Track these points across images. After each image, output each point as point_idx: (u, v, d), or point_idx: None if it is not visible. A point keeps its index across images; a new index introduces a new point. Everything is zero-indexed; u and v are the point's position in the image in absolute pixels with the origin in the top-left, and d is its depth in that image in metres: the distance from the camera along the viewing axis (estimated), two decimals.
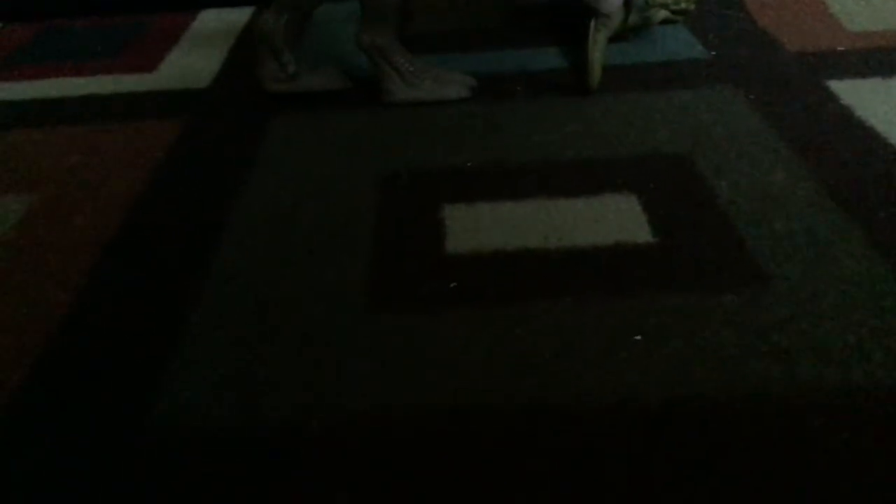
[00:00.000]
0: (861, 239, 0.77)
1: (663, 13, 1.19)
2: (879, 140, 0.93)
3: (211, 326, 0.72)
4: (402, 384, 0.64)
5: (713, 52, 1.19)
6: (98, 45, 1.36)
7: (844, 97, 1.04)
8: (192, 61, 1.26)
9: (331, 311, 0.73)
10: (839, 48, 1.19)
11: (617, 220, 0.83)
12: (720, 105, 1.04)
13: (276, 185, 0.93)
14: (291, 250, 0.82)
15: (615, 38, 1.18)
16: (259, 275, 0.79)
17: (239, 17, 1.44)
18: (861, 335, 0.66)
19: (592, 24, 1.08)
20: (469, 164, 0.95)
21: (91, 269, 0.81)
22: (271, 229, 0.85)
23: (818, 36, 1.23)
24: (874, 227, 0.78)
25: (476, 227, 0.83)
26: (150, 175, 0.96)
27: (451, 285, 0.75)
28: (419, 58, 1.13)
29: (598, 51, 1.08)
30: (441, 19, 1.39)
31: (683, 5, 1.20)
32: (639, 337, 0.67)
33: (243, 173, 0.96)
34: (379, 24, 1.04)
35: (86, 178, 0.97)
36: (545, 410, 0.61)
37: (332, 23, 1.33)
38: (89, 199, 0.93)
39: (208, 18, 1.43)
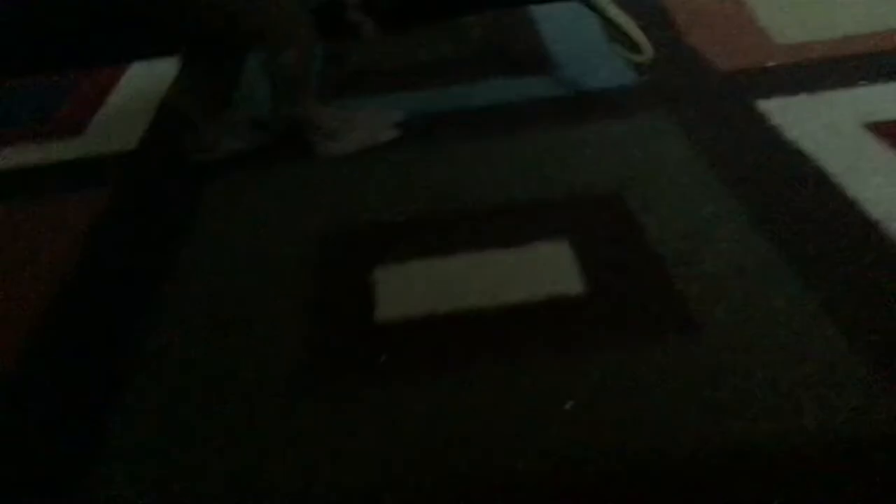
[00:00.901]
0: (791, 275, 0.77)
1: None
2: (808, 163, 0.94)
3: (139, 410, 0.71)
4: (327, 468, 0.63)
5: (644, 77, 1.18)
6: (24, 108, 1.33)
7: (774, 117, 1.04)
8: (121, 121, 1.23)
9: (261, 393, 0.71)
10: (769, 63, 1.19)
11: (548, 270, 0.82)
12: (651, 136, 1.04)
13: (209, 256, 0.92)
14: (225, 327, 0.80)
15: None
16: (191, 353, 0.77)
17: (169, 69, 1.41)
18: (792, 383, 0.65)
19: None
20: (400, 219, 0.94)
21: (16, 357, 0.79)
22: (204, 305, 0.84)
23: (747, 52, 1.23)
24: (804, 261, 0.78)
25: (407, 289, 0.82)
26: (77, 254, 0.94)
27: (382, 359, 0.73)
28: (348, 101, 1.13)
29: (622, 17, 1.08)
30: (378, 54, 1.38)
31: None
32: (569, 406, 0.66)
33: (175, 244, 0.94)
34: (293, 95, 1.03)
35: (8, 260, 0.94)
36: (478, 485, 0.60)
37: (251, 71, 1.30)
38: (13, 283, 0.90)
39: (138, 73, 1.40)
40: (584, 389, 0.68)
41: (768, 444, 0.61)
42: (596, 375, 0.69)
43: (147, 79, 1.37)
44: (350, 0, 1.28)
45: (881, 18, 1.29)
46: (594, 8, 1.11)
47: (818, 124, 1.01)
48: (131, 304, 0.85)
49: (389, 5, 1.37)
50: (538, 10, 1.46)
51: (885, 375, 0.65)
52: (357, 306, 0.80)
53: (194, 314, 0.82)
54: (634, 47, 1.09)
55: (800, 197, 0.88)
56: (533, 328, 0.75)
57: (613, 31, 1.13)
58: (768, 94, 1.10)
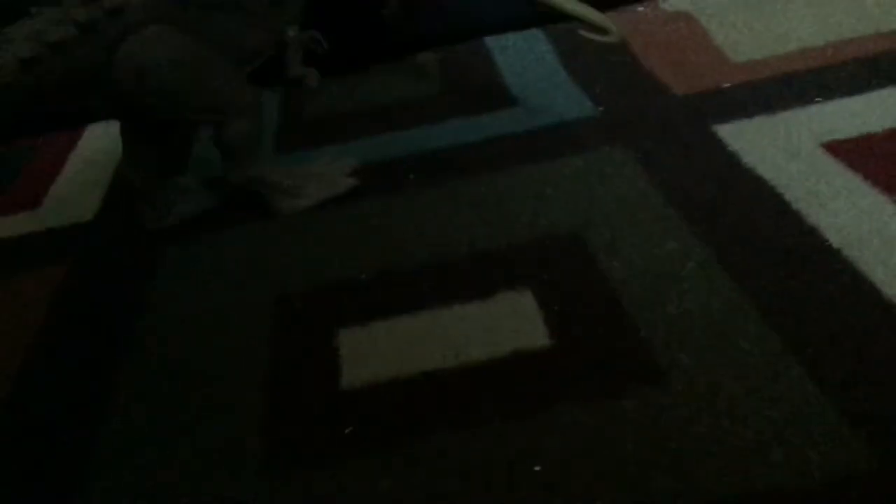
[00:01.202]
0: (755, 316, 0.76)
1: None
2: (767, 191, 0.93)
3: (103, 477, 0.70)
4: None
5: (601, 108, 1.18)
6: None
7: (731, 142, 1.04)
8: (76, 190, 1.22)
9: (223, 479, 0.70)
10: (724, 85, 1.19)
11: (513, 323, 0.81)
12: (610, 170, 1.03)
13: (168, 329, 0.90)
14: (183, 409, 0.78)
15: None
16: (149, 442, 0.75)
17: None
18: (759, 431, 0.65)
19: None
20: (363, 276, 0.93)
21: None
22: (162, 386, 0.82)
23: (703, 73, 1.23)
24: (768, 300, 0.78)
25: (371, 352, 0.81)
26: (32, 337, 0.92)
27: (347, 430, 0.72)
28: (303, 153, 1.12)
29: (577, 7, 1.08)
30: (332, 99, 1.38)
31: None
32: (538, 468, 0.65)
33: (132, 322, 0.92)
34: (244, 160, 1.02)
35: None
36: None
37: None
38: None
39: (94, 135, 1.39)
40: (553, 449, 0.67)
41: (738, 493, 0.60)
42: (564, 434, 0.68)
43: (104, 140, 1.36)
44: (291, 54, 1.27)
45: (834, 28, 1.29)
46: (548, 6, 1.10)
47: (776, 148, 1.01)
48: (90, 380, 0.84)
49: (327, 51, 1.37)
50: (493, 42, 1.46)
51: (854, 418, 0.64)
52: (321, 374, 0.79)
53: (153, 399, 0.80)
54: (600, 31, 1.09)
55: (760, 228, 0.87)
56: (499, 388, 0.74)
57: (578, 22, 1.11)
58: (725, 118, 1.10)
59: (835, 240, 0.83)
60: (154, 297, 0.95)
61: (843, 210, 0.87)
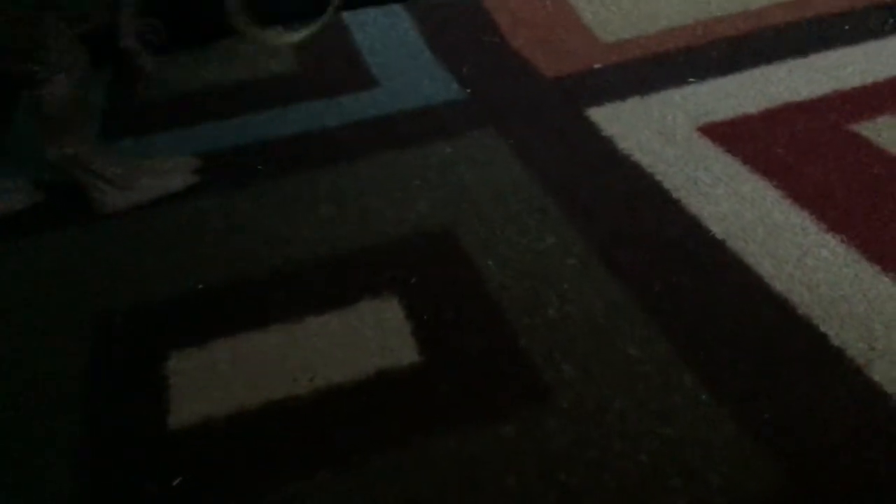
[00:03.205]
0: (641, 318, 0.69)
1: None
2: (646, 179, 0.87)
3: None
4: None
5: (468, 90, 1.09)
6: None
7: (605, 127, 0.97)
8: None
9: None
10: (595, 65, 1.13)
11: (378, 337, 0.71)
12: (481, 157, 0.94)
13: None
14: None
15: None
16: None
17: None
18: (653, 451, 0.58)
19: None
20: (201, 287, 0.79)
21: None
22: None
23: (573, 54, 1.16)
24: (652, 297, 0.71)
25: (209, 379, 0.68)
26: None
27: (175, 482, 0.60)
28: (140, 140, 0.96)
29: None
30: (173, 78, 1.21)
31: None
32: None
33: None
34: (64, 132, 0.85)
35: None
36: None
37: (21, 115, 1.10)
38: None
39: None
40: (428, 487, 0.57)
41: None
42: (439, 466, 0.59)
43: None
44: (124, 24, 1.10)
45: (702, 6, 1.26)
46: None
47: (652, 132, 0.95)
48: None
49: (166, 40, 1.20)
50: (352, 18, 1.34)
51: (756, 430, 0.58)
52: (146, 411, 0.66)
53: None
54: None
55: (641, 220, 0.81)
56: (361, 418, 0.64)
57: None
58: (599, 101, 1.03)
59: (718, 230, 0.78)
60: None
61: (724, 197, 0.82)
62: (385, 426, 0.62)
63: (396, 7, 1.35)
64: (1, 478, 0.62)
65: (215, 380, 0.68)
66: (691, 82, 1.05)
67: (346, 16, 1.35)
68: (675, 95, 1.02)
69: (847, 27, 1.14)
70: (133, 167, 0.92)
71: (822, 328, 0.65)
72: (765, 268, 0.72)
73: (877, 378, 0.61)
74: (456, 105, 1.06)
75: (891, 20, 1.15)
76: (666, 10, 1.26)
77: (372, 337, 0.71)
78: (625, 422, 0.60)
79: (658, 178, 0.87)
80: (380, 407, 0.64)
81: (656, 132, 0.95)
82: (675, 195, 0.84)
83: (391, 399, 0.65)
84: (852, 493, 0.54)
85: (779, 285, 0.70)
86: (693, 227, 0.79)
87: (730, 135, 0.93)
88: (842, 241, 0.75)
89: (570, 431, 0.60)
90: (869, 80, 1.00)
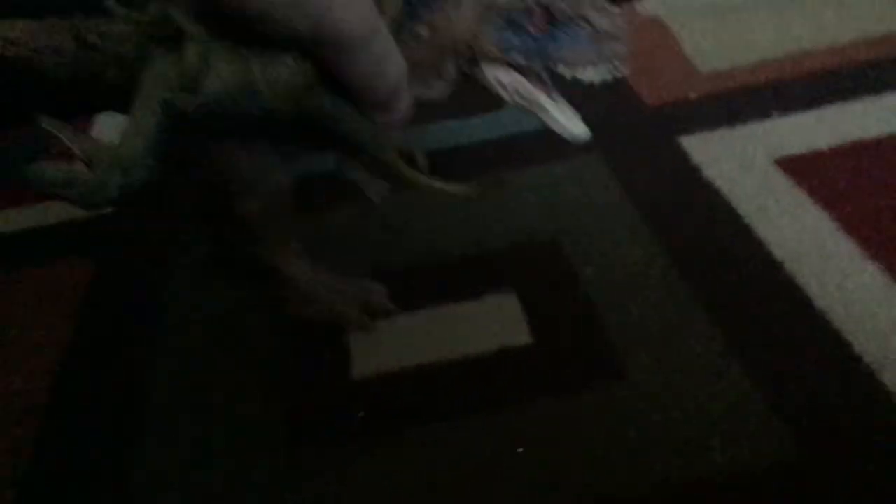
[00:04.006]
0: (704, 318, 0.89)
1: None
2: (723, 204, 1.06)
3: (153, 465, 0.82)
4: None
5: (580, 115, 1.29)
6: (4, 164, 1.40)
7: (695, 155, 1.16)
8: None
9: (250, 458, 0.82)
10: (692, 95, 1.31)
11: (500, 323, 0.94)
12: (585, 177, 1.15)
13: (188, 327, 1.01)
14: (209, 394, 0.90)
15: None
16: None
17: None
18: (701, 420, 0.78)
19: None
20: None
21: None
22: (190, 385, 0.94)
23: (673, 83, 1.34)
24: (716, 305, 0.91)
25: (380, 344, 0.93)
26: (67, 329, 1.03)
27: (360, 415, 0.85)
28: None
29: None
30: None
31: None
32: (520, 451, 0.78)
33: (152, 324, 1.02)
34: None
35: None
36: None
37: None
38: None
39: (105, 124, 1.47)
40: (533, 434, 0.80)
41: (684, 477, 0.74)
42: (542, 421, 0.81)
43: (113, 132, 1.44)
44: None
45: (795, 40, 1.40)
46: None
47: (733, 162, 1.13)
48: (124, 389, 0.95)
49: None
50: None
51: (784, 413, 0.78)
52: (334, 365, 0.91)
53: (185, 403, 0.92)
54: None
55: (715, 239, 1.00)
56: (488, 379, 0.87)
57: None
58: (691, 130, 1.22)
59: (779, 254, 0.96)
60: (174, 297, 1.06)
61: (787, 225, 1.00)
62: (506, 387, 0.85)
63: None
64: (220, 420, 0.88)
65: (384, 344, 0.93)
66: (774, 116, 1.21)
67: None
68: (758, 128, 1.19)
69: None
70: (327, 288, 0.97)
71: (848, 338, 0.83)
72: (812, 288, 0.90)
73: (885, 381, 0.79)
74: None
75: None
76: (762, 42, 1.41)
77: (496, 323, 0.94)
78: (683, 399, 0.81)
79: (734, 203, 1.05)
80: (503, 374, 0.87)
81: (737, 163, 1.13)
82: (746, 220, 1.02)
83: (511, 369, 0.87)
84: (851, 461, 0.73)
85: (821, 303, 0.88)
86: (757, 249, 0.97)
87: (800, 168, 1.09)
88: (879, 267, 0.91)
89: (640, 402, 0.81)
90: None
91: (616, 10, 0.82)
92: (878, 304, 0.87)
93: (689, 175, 1.13)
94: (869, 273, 0.91)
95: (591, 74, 0.86)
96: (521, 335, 0.91)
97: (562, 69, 0.85)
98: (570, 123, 0.91)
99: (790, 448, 0.75)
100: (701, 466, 0.74)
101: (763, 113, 1.23)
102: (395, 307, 0.97)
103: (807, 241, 0.97)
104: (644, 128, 1.24)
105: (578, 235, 1.05)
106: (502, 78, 0.86)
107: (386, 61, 0.69)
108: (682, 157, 1.16)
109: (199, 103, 0.71)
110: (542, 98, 0.89)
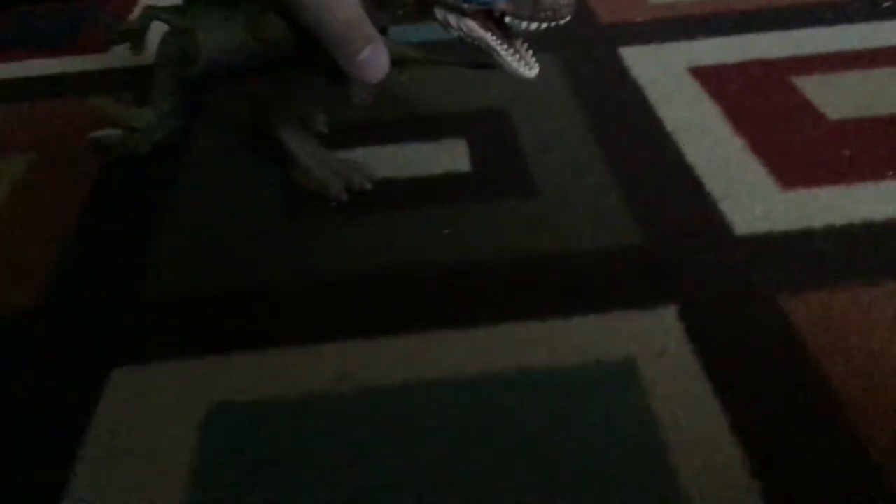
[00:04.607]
0: (603, 166, 1.17)
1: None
2: (640, 95, 1.33)
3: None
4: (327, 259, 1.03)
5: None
6: (55, 28, 1.67)
7: (627, 59, 1.43)
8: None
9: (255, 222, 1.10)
10: (638, 18, 1.58)
11: (449, 156, 1.21)
12: (541, 69, 1.41)
13: (203, 163, 1.29)
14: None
15: None
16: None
17: None
18: (581, 220, 1.06)
19: None
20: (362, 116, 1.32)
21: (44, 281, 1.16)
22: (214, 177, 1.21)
23: (624, 8, 1.62)
24: (617, 159, 1.18)
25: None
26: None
27: (333, 204, 1.12)
28: None
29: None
30: None
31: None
32: (447, 231, 1.06)
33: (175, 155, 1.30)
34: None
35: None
36: (395, 280, 1.00)
37: None
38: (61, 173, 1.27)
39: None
40: (459, 222, 1.07)
41: (568, 252, 1.01)
42: (470, 217, 1.08)
43: None
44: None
45: None
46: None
47: (656, 67, 1.40)
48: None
49: None
50: None
51: (636, 212, 1.05)
52: None
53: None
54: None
55: (626, 118, 1.27)
56: (432, 191, 1.14)
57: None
58: (630, 43, 1.49)
59: (670, 127, 1.23)
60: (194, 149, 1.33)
61: (683, 111, 1.27)
62: (442, 197, 1.13)
63: None
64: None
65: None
66: (699, 38, 1.49)
67: None
68: (683, 46, 1.46)
69: (832, 13, 1.55)
70: (322, 162, 1.17)
71: (705, 182, 1.10)
72: (687, 146, 1.18)
73: (723, 208, 1.06)
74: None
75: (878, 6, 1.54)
76: None
77: (445, 156, 1.21)
78: (575, 207, 1.09)
79: (648, 95, 1.32)
80: (444, 188, 1.15)
81: (659, 68, 1.40)
82: (653, 106, 1.29)
83: (452, 187, 1.15)
84: (688, 246, 1.00)
85: (692, 159, 1.15)
86: (656, 124, 1.24)
87: (707, 74, 1.37)
88: (743, 140, 1.19)
89: (545, 208, 1.09)
90: (822, 50, 1.42)
91: None
92: (734, 163, 1.14)
93: (620, 74, 1.40)
94: (734, 143, 1.18)
95: (535, 25, 0.92)
96: (463, 165, 1.19)
97: (508, 20, 0.91)
98: (518, 64, 0.98)
99: (639, 236, 1.02)
100: (577, 245, 1.02)
101: (691, 36, 1.50)
102: (372, 186, 1.15)
103: (695, 122, 1.24)
104: (592, 38, 1.52)
105: (523, 106, 1.32)
106: (451, 21, 0.95)
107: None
108: (618, 61, 1.44)
109: (200, 69, 0.96)
110: (489, 38, 0.96)
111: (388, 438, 0.77)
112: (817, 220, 1.01)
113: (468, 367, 0.85)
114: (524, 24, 0.94)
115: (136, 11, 1.70)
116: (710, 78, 1.35)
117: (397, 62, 1.10)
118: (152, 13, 1.10)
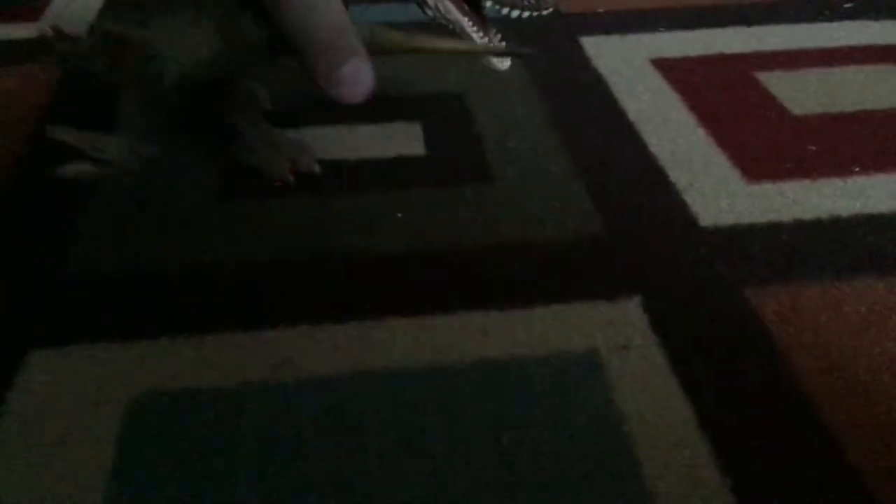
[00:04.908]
0: (563, 155, 1.12)
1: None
2: (602, 85, 1.29)
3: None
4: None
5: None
6: None
7: (589, 49, 1.40)
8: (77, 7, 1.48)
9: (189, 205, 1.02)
10: (599, 10, 1.54)
11: (402, 139, 1.15)
12: (505, 74, 1.36)
13: None
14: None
15: None
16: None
17: None
18: (541, 208, 1.00)
19: None
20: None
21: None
22: None
23: (587, 1, 1.58)
24: (577, 147, 1.13)
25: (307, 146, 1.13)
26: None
27: (277, 183, 1.05)
28: None
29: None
30: None
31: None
32: (400, 215, 1.00)
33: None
34: None
35: None
36: (329, 257, 0.93)
37: None
38: None
39: None
40: (412, 209, 1.01)
41: (529, 240, 0.95)
42: (423, 202, 1.02)
43: None
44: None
45: None
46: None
47: (618, 57, 1.37)
48: None
49: None
50: None
51: (595, 194, 1.01)
52: None
53: None
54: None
55: (588, 107, 1.23)
56: (386, 173, 1.08)
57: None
58: (591, 33, 1.45)
59: (633, 117, 1.20)
60: None
61: (646, 101, 1.24)
62: (395, 181, 1.06)
63: None
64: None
65: (313, 144, 1.13)
66: (660, 31, 1.45)
67: None
68: (645, 38, 1.43)
69: (794, 10, 1.54)
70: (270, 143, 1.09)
71: (668, 172, 1.07)
72: (650, 136, 1.14)
73: (686, 198, 1.02)
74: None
75: (826, 11, 1.53)
76: None
77: (398, 139, 1.15)
78: (532, 196, 1.03)
79: (610, 85, 1.28)
80: (394, 172, 1.08)
81: (621, 58, 1.36)
82: (616, 96, 1.25)
83: (404, 170, 1.09)
84: (647, 238, 0.96)
85: (655, 149, 1.12)
86: (619, 115, 1.20)
87: (669, 66, 1.33)
88: (706, 132, 1.15)
89: (503, 199, 1.03)
90: (784, 47, 1.40)
91: None
92: (698, 155, 1.11)
93: (581, 63, 1.36)
94: (698, 135, 1.15)
95: (516, 13, 0.95)
96: (416, 149, 1.13)
97: (488, 8, 0.95)
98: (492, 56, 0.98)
99: (600, 224, 0.98)
100: (537, 234, 0.97)
101: (653, 28, 1.47)
102: (319, 169, 1.08)
103: (658, 113, 1.21)
104: (555, 28, 1.47)
105: (481, 93, 1.27)
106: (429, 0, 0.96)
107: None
108: (579, 51, 1.40)
109: (171, 85, 0.87)
110: (465, 22, 0.98)
111: (330, 432, 0.71)
112: (784, 215, 0.98)
113: (418, 357, 0.79)
114: (504, 10, 0.95)
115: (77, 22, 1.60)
116: (673, 70, 1.32)
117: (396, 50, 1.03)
118: (97, 26, 0.92)
